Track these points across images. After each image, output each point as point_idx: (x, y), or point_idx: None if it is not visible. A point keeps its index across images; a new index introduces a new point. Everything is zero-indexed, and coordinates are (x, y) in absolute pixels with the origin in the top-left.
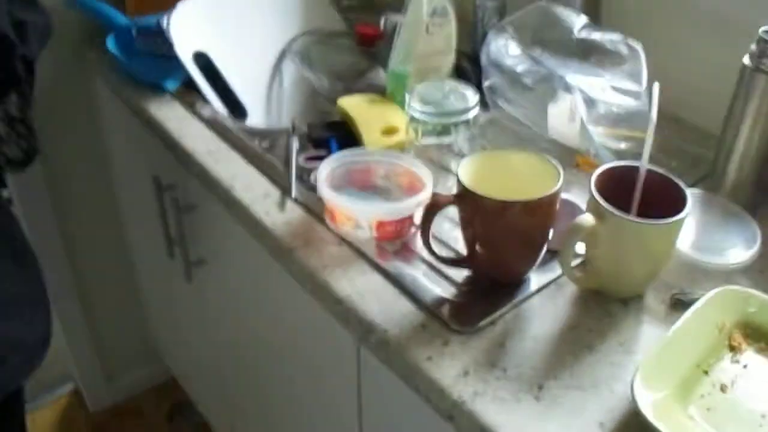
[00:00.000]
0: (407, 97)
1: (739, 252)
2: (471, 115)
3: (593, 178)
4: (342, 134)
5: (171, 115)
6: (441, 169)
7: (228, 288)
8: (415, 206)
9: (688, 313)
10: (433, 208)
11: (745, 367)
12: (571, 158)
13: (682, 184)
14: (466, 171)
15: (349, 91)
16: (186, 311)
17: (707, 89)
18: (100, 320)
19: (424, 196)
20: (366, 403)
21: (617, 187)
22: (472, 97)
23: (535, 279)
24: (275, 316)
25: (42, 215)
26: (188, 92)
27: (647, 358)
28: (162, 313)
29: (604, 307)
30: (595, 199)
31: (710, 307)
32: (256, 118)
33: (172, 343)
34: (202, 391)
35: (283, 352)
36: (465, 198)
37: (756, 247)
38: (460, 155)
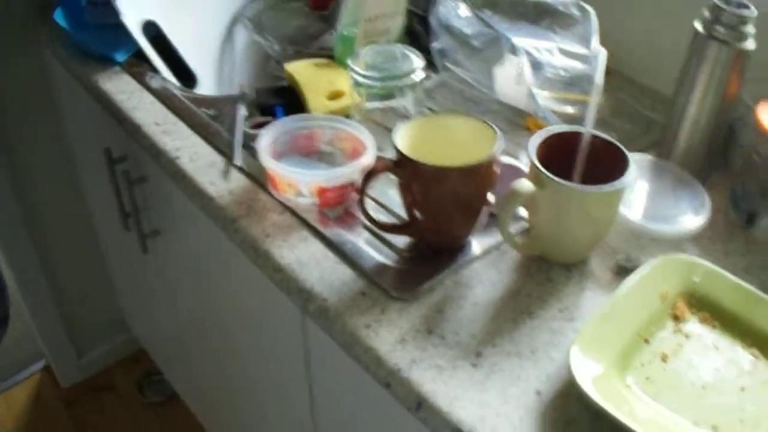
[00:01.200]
0: (349, 61)
1: (688, 220)
2: (416, 78)
3: (534, 144)
4: (289, 101)
5: (120, 87)
6: (387, 131)
7: (183, 258)
8: (355, 172)
9: (630, 280)
10: (370, 175)
11: (687, 337)
12: (522, 120)
13: (625, 151)
14: (404, 137)
15: (300, 55)
16: (147, 281)
17: (663, 52)
18: (67, 295)
19: (365, 162)
20: (314, 370)
21: (562, 153)
22: (416, 60)
23: (478, 244)
24: (227, 286)
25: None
26: (139, 63)
27: (586, 326)
28: (127, 284)
29: (547, 272)
30: (534, 164)
31: (654, 275)
32: (207, 86)
33: (138, 313)
34: (168, 360)
35: (236, 320)
36: (402, 164)
37: (705, 216)
38: (406, 117)
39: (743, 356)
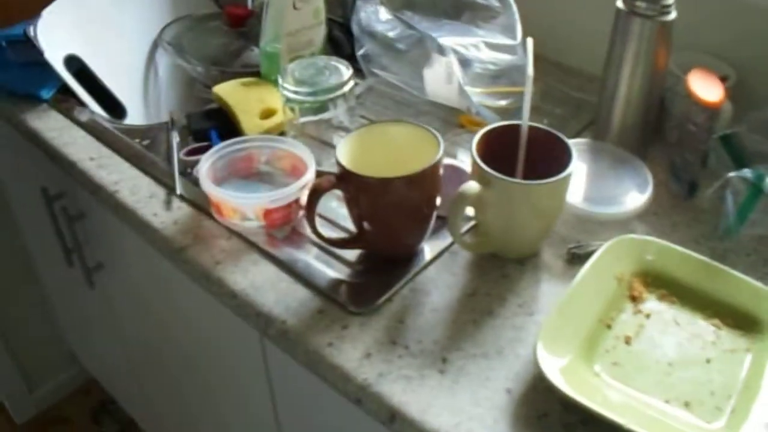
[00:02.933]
0: (279, 78)
1: (632, 198)
2: (346, 89)
3: (474, 142)
4: (222, 123)
5: (50, 124)
6: (323, 144)
7: (131, 289)
8: (299, 190)
9: (584, 268)
10: (315, 194)
11: (648, 316)
12: (455, 118)
13: (565, 139)
14: (345, 151)
15: (225, 74)
16: (94, 314)
17: (584, 31)
18: (12, 333)
19: (307, 179)
20: (278, 392)
21: (502, 147)
22: (345, 70)
23: (429, 248)
24: (180, 314)
25: None
26: (66, 98)
27: (547, 320)
28: (72, 317)
29: (500, 269)
30: (478, 164)
31: (606, 259)
32: (136, 116)
33: (86, 345)
34: (122, 389)
35: (192, 348)
36: (346, 179)
37: (648, 192)
38: (341, 128)
39: (705, 328)
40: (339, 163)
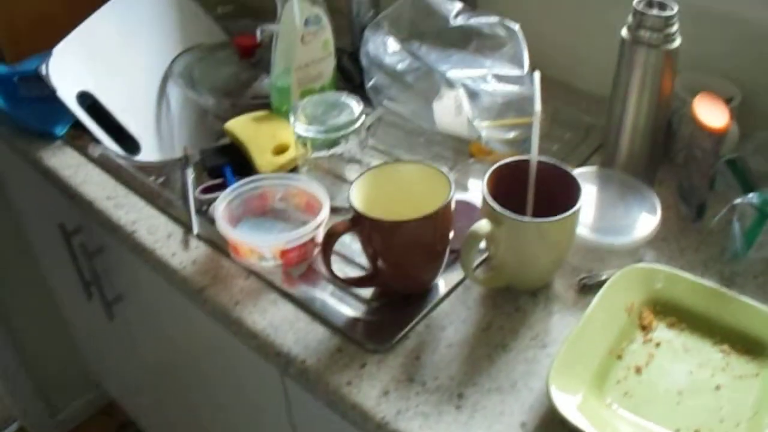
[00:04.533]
0: (291, 116)
1: (641, 226)
2: (358, 124)
3: (484, 180)
4: (235, 158)
5: (65, 162)
6: (336, 179)
7: (150, 320)
8: (314, 229)
9: (594, 301)
10: (330, 238)
11: (657, 345)
12: (466, 146)
13: (573, 173)
14: (358, 193)
15: (235, 107)
16: (115, 342)
17: (592, 53)
18: (32, 359)
19: (322, 217)
20: (299, 425)
21: (512, 181)
22: (356, 106)
23: (443, 282)
24: (200, 344)
25: None
26: (80, 134)
27: (559, 354)
28: (92, 344)
29: (513, 302)
30: (489, 203)
31: (616, 290)
32: (149, 149)
33: (107, 368)
34: (143, 411)
35: (212, 376)
36: (360, 222)
37: (657, 218)
38: (353, 161)
39: (714, 354)
40: (352, 207)
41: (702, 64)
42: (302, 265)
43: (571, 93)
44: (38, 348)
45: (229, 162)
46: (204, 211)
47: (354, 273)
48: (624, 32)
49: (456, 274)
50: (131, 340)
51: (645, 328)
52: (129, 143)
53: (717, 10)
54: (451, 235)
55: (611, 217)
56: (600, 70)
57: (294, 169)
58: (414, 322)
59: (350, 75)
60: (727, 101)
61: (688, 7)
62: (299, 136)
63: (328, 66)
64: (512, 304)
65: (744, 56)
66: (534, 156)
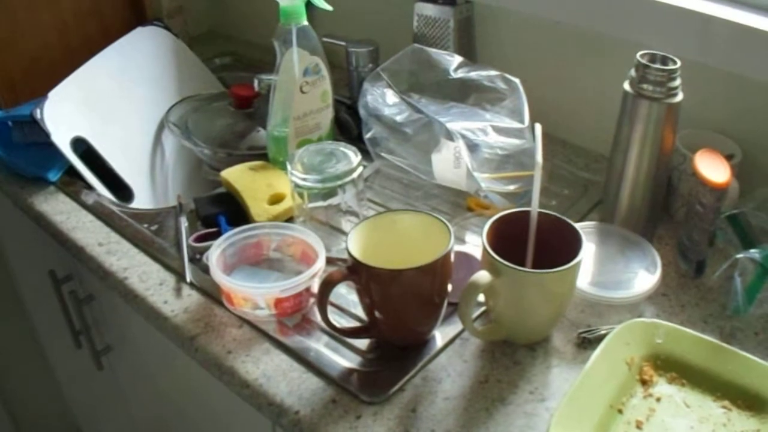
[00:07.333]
0: (288, 165)
1: (641, 281)
2: (355, 175)
3: (485, 231)
4: (230, 208)
5: (57, 207)
6: (332, 229)
7: (141, 370)
8: (309, 279)
9: (594, 355)
10: (327, 286)
11: (658, 400)
12: (463, 200)
13: (574, 225)
14: (356, 241)
15: (231, 156)
16: (103, 392)
17: (591, 111)
18: (19, 409)
19: (317, 267)
20: None
21: (512, 232)
22: (353, 156)
23: (441, 335)
24: (192, 397)
25: None
26: (73, 180)
27: (559, 409)
28: (80, 395)
29: (511, 355)
30: (489, 254)
31: (616, 344)
32: (143, 197)
33: (94, 421)
34: None
35: (205, 422)
36: (357, 270)
37: (657, 274)
38: (350, 212)
39: (715, 410)
40: (350, 254)
41: (703, 121)
42: (297, 315)
43: (569, 149)
44: (24, 398)
45: (224, 211)
46: (197, 259)
47: (349, 324)
48: (626, 85)
49: (453, 327)
50: (119, 390)
51: (645, 383)
52: (122, 190)
53: (719, 69)
54: (450, 287)
55: (611, 272)
56: (597, 127)
57: (289, 220)
58: (410, 374)
59: (348, 127)
60: (728, 158)
61: (690, 65)
62: (296, 185)
63: (326, 117)
64: (510, 358)
65: (745, 114)
66: (535, 206)
